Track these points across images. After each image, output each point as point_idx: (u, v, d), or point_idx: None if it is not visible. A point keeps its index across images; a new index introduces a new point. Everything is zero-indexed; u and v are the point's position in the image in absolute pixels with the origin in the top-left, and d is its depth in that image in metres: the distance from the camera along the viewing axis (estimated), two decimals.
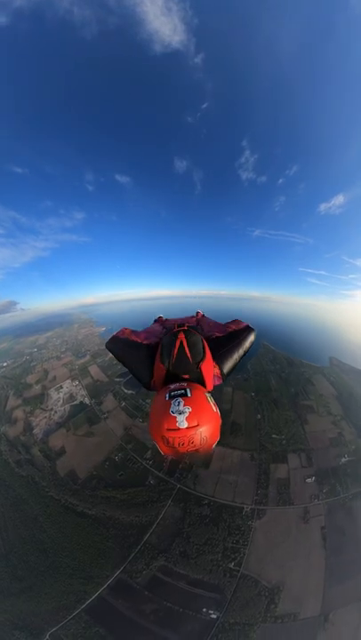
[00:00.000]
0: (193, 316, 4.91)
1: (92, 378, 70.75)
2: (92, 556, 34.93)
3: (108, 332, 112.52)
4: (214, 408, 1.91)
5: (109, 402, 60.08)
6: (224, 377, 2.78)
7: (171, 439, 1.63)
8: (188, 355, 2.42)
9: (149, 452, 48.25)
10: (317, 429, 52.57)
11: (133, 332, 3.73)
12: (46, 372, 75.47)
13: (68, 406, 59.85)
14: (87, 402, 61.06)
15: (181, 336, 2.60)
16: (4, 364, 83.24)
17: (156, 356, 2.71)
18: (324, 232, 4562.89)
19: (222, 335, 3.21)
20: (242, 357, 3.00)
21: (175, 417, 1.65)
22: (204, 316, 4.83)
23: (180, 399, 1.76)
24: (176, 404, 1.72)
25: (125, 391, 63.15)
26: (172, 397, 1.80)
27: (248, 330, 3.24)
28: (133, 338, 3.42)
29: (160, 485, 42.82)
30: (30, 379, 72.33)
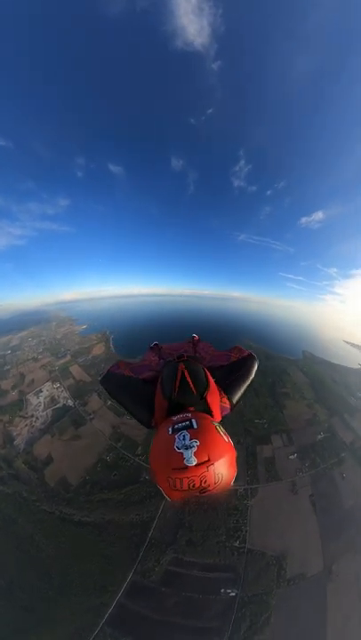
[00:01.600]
0: (189, 341, 4.57)
1: (74, 378, 66.20)
2: (99, 565, 32.49)
3: (89, 331, 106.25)
4: (226, 439, 1.45)
5: (94, 402, 56.64)
6: (233, 407, 2.50)
7: (179, 481, 1.15)
8: (192, 385, 2.14)
9: (140, 447, 46.48)
10: (294, 412, 56.76)
11: (128, 364, 3.29)
12: (23, 375, 69.17)
13: (50, 411, 55.35)
14: (71, 404, 57.02)
15: (182, 367, 2.33)
16: None
17: (157, 390, 2.34)
18: (303, 243, 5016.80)
19: (226, 364, 3.07)
20: (248, 387, 2.76)
21: (182, 453, 1.21)
22: (200, 340, 4.52)
23: (185, 432, 1.34)
24: (181, 437, 1.30)
25: None
26: (175, 431, 1.36)
27: (251, 358, 3.07)
28: (129, 373, 3.02)
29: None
30: (5, 384, 65.85)
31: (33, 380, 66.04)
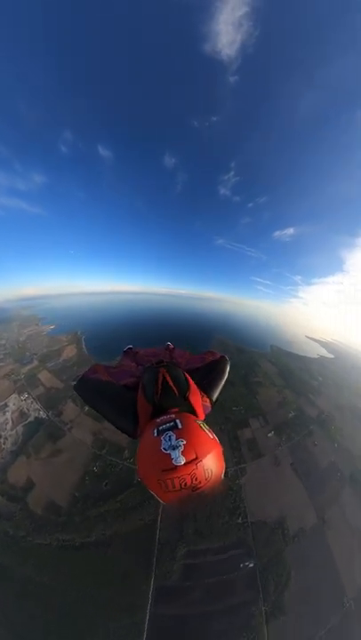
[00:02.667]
0: (165, 348, 4.74)
1: (44, 386, 59.30)
2: (118, 584, 30.54)
3: (58, 331, 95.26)
4: (211, 435, 1.51)
5: (70, 410, 51.59)
6: (213, 404, 2.61)
7: (170, 481, 1.16)
8: (174, 388, 2.19)
9: (126, 450, 44.03)
10: (267, 398, 62.35)
11: (107, 368, 3.06)
12: None
13: (20, 427, 49.07)
14: (44, 416, 51.18)
15: (163, 371, 2.42)
16: None
17: (138, 395, 2.29)
18: (275, 252, 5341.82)
19: (202, 365, 3.18)
20: (224, 385, 2.89)
21: (169, 454, 1.23)
22: (175, 348, 4.67)
23: (170, 432, 1.35)
24: (167, 438, 1.31)
25: None
26: (160, 432, 1.37)
27: (224, 360, 3.22)
28: (107, 378, 2.78)
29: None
30: None
31: None
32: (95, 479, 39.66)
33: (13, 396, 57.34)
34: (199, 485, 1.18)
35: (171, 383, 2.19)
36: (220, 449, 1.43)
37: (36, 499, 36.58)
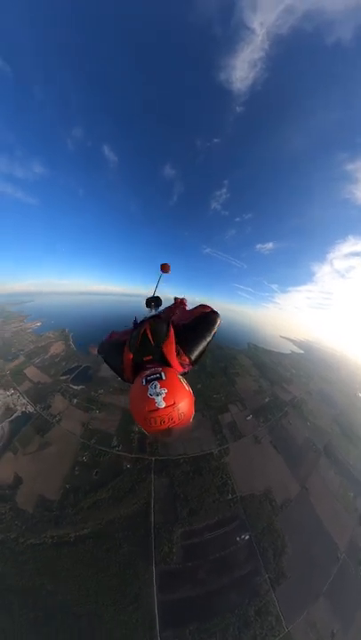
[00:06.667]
0: (176, 303, 4.41)
1: (30, 381, 53.95)
2: (120, 577, 27.56)
3: (44, 329, 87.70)
4: (187, 387, 1.90)
5: (59, 402, 47.38)
6: (193, 363, 2.57)
7: (152, 419, 1.62)
8: (150, 338, 2.39)
9: (115, 438, 41.24)
10: (244, 386, 63.11)
11: (117, 333, 3.40)
12: None
13: (6, 423, 44.09)
14: (31, 410, 46.48)
15: (147, 324, 2.57)
16: None
17: (125, 346, 2.56)
18: (255, 262, 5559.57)
19: (188, 322, 2.87)
20: (209, 342, 2.68)
21: (154, 399, 1.65)
22: (183, 303, 4.24)
23: (156, 382, 1.74)
24: (153, 387, 1.71)
25: (75, 387, 51.00)
26: (148, 382, 1.77)
27: (213, 314, 2.85)
28: (116, 338, 3.12)
29: (137, 465, 37.91)
30: None
31: None
32: (85, 469, 36.48)
33: None
34: (174, 423, 1.62)
35: (149, 334, 2.42)
36: (192, 398, 1.83)
37: (25, 496, 32.66)
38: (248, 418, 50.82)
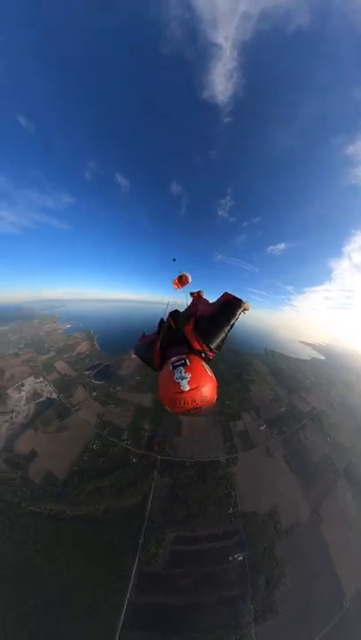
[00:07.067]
0: (192, 296, 4.72)
1: (58, 373, 58.99)
2: (100, 563, 26.99)
3: (73, 330, 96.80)
4: (210, 373, 2.16)
5: (80, 394, 50.66)
6: (215, 350, 2.74)
7: (178, 400, 1.91)
8: (173, 325, 3.04)
9: (125, 432, 42.10)
10: (259, 394, 59.16)
11: (149, 335, 3.79)
12: (1, 370, 60.11)
13: (32, 404, 48.21)
14: (55, 397, 50.34)
15: (170, 316, 3.31)
16: None
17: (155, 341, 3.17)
18: (268, 265, 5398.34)
19: (211, 312, 3.02)
20: (231, 326, 2.79)
21: (179, 382, 1.93)
22: (200, 295, 4.50)
23: (181, 368, 2.04)
24: (179, 372, 2.01)
25: (95, 382, 54.42)
26: (174, 367, 2.07)
27: (235, 299, 2.93)
28: (148, 338, 3.63)
29: (143, 460, 37.72)
30: None
31: (13, 375, 57.56)
32: (94, 456, 37.61)
33: (30, 378, 57.08)
34: (197, 405, 1.93)
35: (172, 321, 3.05)
36: (214, 383, 2.15)
37: (36, 469, 34.81)
38: (261, 428, 47.22)
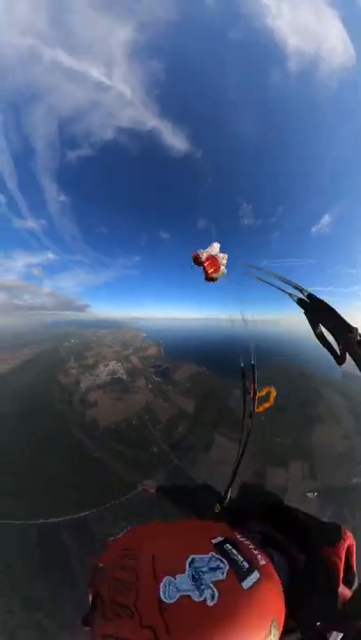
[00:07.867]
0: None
1: (131, 363, 73.44)
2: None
3: (147, 339, 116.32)
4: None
5: (141, 382, 60.97)
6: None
7: None
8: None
9: (161, 424, 46.45)
10: (326, 442, 40.68)
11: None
12: (100, 353, 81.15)
13: (109, 377, 62.62)
14: (124, 377, 63.09)
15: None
16: (72, 341, 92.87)
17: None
18: (321, 250, 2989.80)
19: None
20: None
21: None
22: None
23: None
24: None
25: (155, 378, 63.66)
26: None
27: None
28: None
29: (161, 455, 40.11)
30: (88, 354, 78.69)
31: (105, 357, 76.67)
32: (129, 428, 44.41)
33: (113, 362, 74.07)
34: None
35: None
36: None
37: (91, 413, 45.89)
38: (310, 494, 32.70)
